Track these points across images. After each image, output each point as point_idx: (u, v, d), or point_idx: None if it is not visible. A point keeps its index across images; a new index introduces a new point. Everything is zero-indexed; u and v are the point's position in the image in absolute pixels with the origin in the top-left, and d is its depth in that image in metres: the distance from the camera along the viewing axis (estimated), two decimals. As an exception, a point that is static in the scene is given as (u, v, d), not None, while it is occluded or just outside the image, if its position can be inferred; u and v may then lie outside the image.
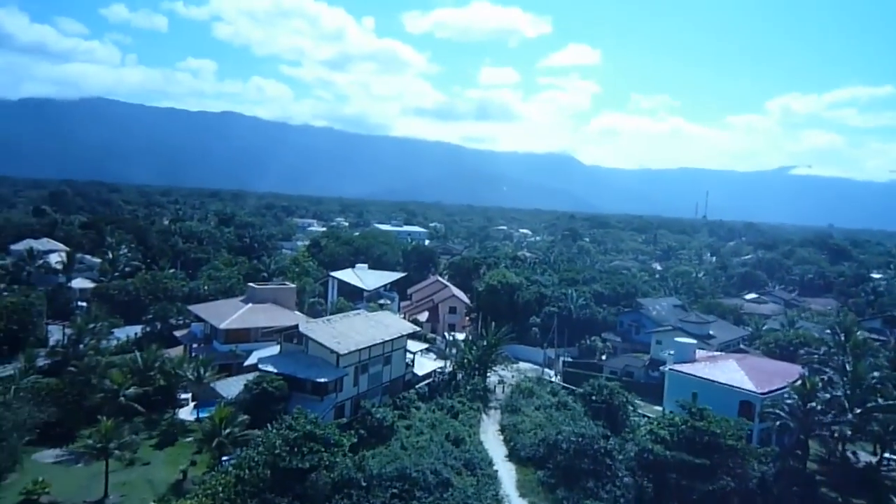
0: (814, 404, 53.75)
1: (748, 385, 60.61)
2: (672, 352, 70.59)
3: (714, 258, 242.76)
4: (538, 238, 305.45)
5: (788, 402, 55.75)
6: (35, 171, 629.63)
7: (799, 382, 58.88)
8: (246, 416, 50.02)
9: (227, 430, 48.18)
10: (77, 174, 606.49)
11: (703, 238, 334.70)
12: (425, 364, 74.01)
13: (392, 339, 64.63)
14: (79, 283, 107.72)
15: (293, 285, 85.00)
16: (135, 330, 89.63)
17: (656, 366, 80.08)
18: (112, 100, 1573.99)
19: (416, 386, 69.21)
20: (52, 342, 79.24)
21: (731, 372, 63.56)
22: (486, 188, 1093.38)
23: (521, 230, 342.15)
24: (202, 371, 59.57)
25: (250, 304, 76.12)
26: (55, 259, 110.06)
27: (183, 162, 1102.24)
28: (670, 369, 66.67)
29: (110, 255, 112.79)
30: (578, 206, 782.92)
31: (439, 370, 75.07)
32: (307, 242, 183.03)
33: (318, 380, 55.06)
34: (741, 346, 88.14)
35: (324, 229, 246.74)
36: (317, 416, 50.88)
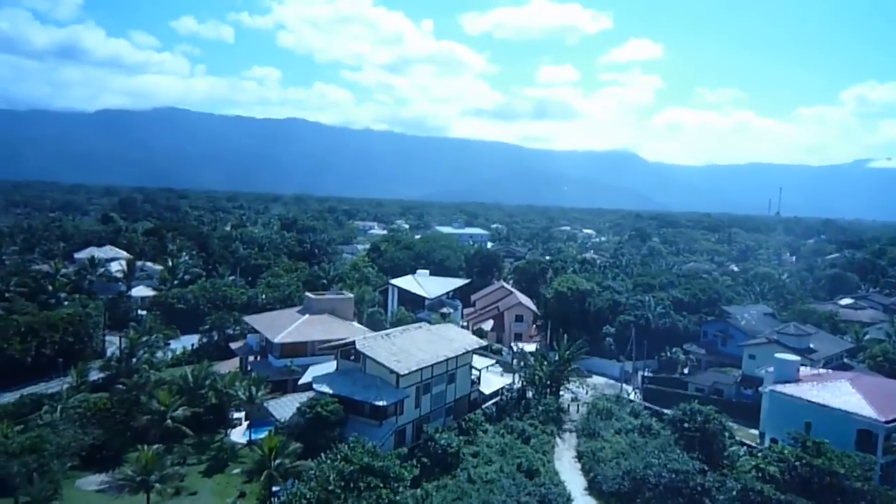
0: (956, 438, 45.40)
1: (868, 411, 52.34)
2: (771, 369, 62.72)
3: (794, 258, 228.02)
4: (603, 238, 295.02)
5: (922, 433, 47.51)
6: (111, 179, 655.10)
7: (930, 409, 50.52)
8: (298, 445, 45.40)
9: (278, 461, 43.70)
10: (150, 181, 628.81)
11: (780, 236, 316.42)
12: (492, 381, 68.17)
13: (457, 356, 59.13)
14: (139, 291, 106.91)
15: (351, 295, 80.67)
16: (192, 340, 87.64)
17: (749, 383, 72.18)
18: (182, 109, 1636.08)
19: (483, 406, 63.52)
20: (109, 353, 77.68)
21: (845, 394, 55.29)
22: (547, 188, 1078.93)
23: (585, 230, 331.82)
24: (254, 390, 55.55)
25: (307, 316, 72.04)
26: (116, 267, 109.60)
27: (250, 167, 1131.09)
28: (771, 390, 58.86)
29: (170, 263, 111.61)
30: (642, 205, 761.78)
31: (507, 387, 69.13)
32: (367, 246, 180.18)
33: (377, 403, 50.10)
34: (844, 360, 78.78)
35: (384, 232, 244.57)
36: (375, 445, 45.94)
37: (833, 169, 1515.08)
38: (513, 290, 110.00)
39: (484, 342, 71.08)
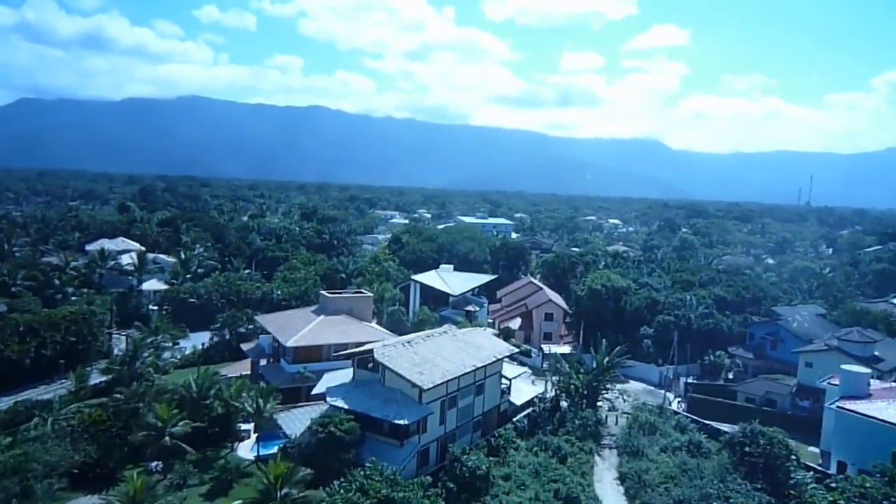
0: None
1: (958, 436, 45.71)
2: (835, 381, 56.17)
3: (831, 250, 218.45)
4: (631, 229, 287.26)
5: None
6: (136, 168, 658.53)
7: None
8: (308, 472, 40.11)
9: (285, 491, 38.48)
10: (174, 169, 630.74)
11: (814, 227, 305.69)
12: (524, 390, 62.41)
13: (485, 365, 53.44)
14: (151, 284, 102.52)
15: (370, 294, 75.16)
16: (204, 338, 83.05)
17: (806, 394, 65.68)
18: (206, 98, 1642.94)
19: (514, 419, 57.83)
20: (115, 352, 73.34)
21: (928, 414, 48.67)
22: (570, 176, 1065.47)
23: (611, 220, 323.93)
24: (262, 403, 50.35)
25: (322, 317, 66.73)
26: (127, 260, 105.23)
27: (272, 155, 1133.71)
28: (838, 407, 52.33)
29: (183, 256, 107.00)
30: (668, 193, 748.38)
31: (539, 396, 63.29)
32: (388, 236, 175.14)
33: (398, 421, 44.62)
34: (911, 368, 71.55)
35: (406, 221, 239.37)
36: (395, 471, 40.61)
37: (864, 157, 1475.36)
38: (542, 286, 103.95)
39: (515, 349, 65.07)
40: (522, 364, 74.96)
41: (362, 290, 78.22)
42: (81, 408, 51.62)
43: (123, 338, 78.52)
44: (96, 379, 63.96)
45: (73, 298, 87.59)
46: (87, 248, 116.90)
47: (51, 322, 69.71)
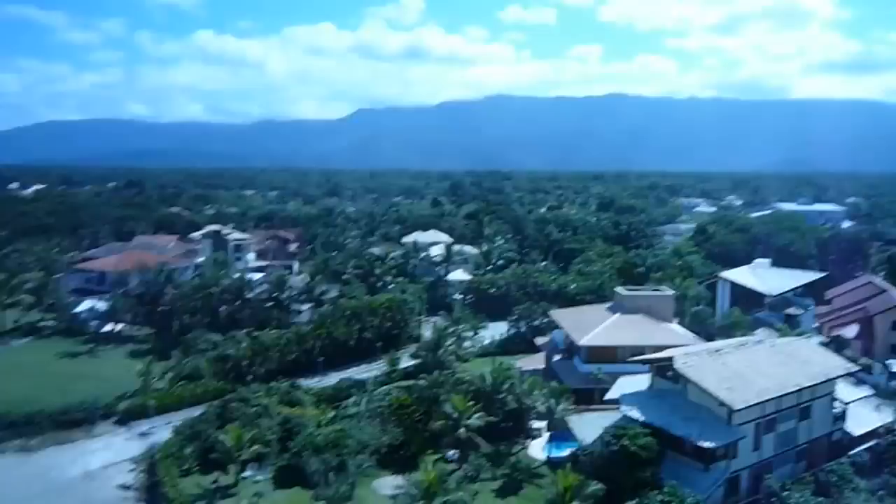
0: None
1: None
2: None
3: None
4: None
5: None
6: (449, 165, 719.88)
7: None
8: (599, 487, 37.46)
9: (574, 504, 36.37)
10: (480, 165, 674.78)
11: None
12: (864, 417, 51.31)
13: (813, 385, 44.84)
14: (456, 275, 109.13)
15: (670, 292, 69.10)
16: (501, 329, 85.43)
17: None
18: (509, 95, 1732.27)
19: (851, 452, 47.79)
20: (424, 338, 79.28)
21: None
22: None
23: None
24: (554, 403, 48.99)
25: (617, 315, 63.25)
26: (436, 251, 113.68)
27: (571, 146, 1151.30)
28: None
29: (485, 247, 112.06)
30: None
31: (887, 427, 51.45)
32: (692, 226, 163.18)
33: (702, 444, 39.43)
34: None
35: (713, 210, 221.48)
36: (698, 500, 35.88)
37: None
38: (887, 286, 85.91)
39: (853, 366, 54.00)
40: (861, 382, 62.31)
41: (661, 287, 72.61)
42: (391, 390, 56.10)
43: (431, 325, 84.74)
44: (406, 363, 69.80)
45: (391, 286, 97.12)
46: (403, 240, 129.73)
47: (371, 308, 77.99)
